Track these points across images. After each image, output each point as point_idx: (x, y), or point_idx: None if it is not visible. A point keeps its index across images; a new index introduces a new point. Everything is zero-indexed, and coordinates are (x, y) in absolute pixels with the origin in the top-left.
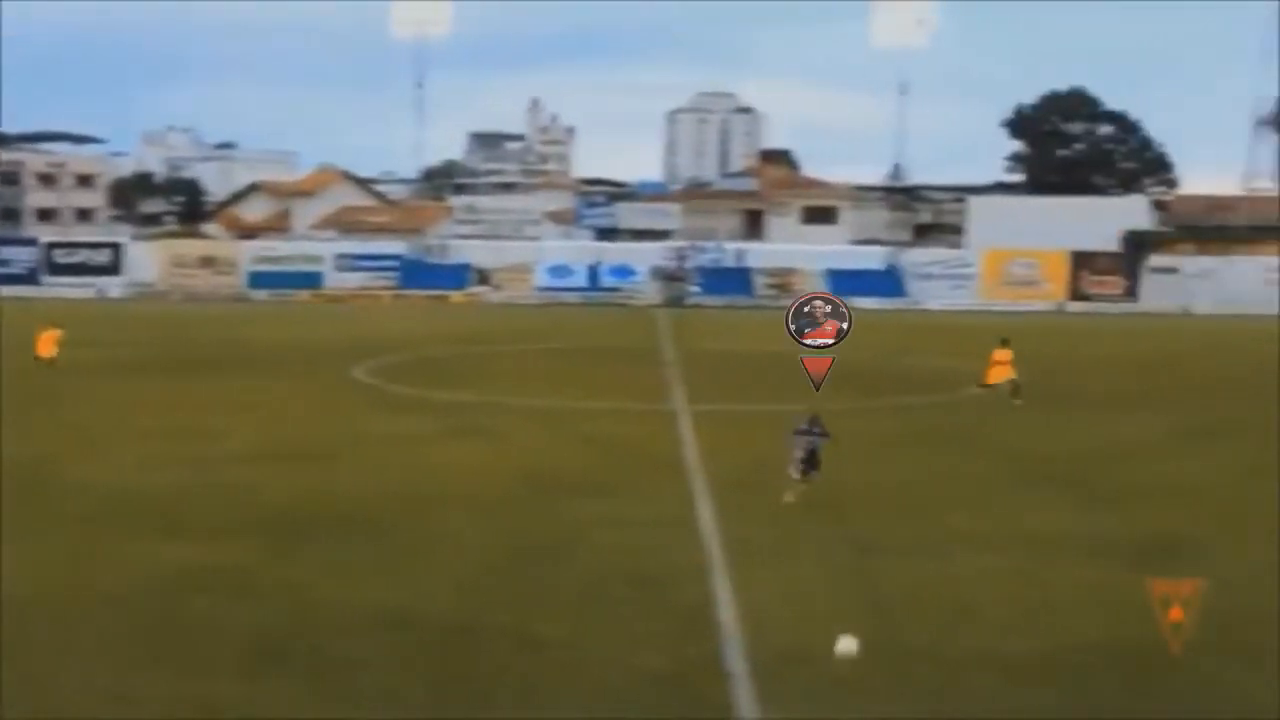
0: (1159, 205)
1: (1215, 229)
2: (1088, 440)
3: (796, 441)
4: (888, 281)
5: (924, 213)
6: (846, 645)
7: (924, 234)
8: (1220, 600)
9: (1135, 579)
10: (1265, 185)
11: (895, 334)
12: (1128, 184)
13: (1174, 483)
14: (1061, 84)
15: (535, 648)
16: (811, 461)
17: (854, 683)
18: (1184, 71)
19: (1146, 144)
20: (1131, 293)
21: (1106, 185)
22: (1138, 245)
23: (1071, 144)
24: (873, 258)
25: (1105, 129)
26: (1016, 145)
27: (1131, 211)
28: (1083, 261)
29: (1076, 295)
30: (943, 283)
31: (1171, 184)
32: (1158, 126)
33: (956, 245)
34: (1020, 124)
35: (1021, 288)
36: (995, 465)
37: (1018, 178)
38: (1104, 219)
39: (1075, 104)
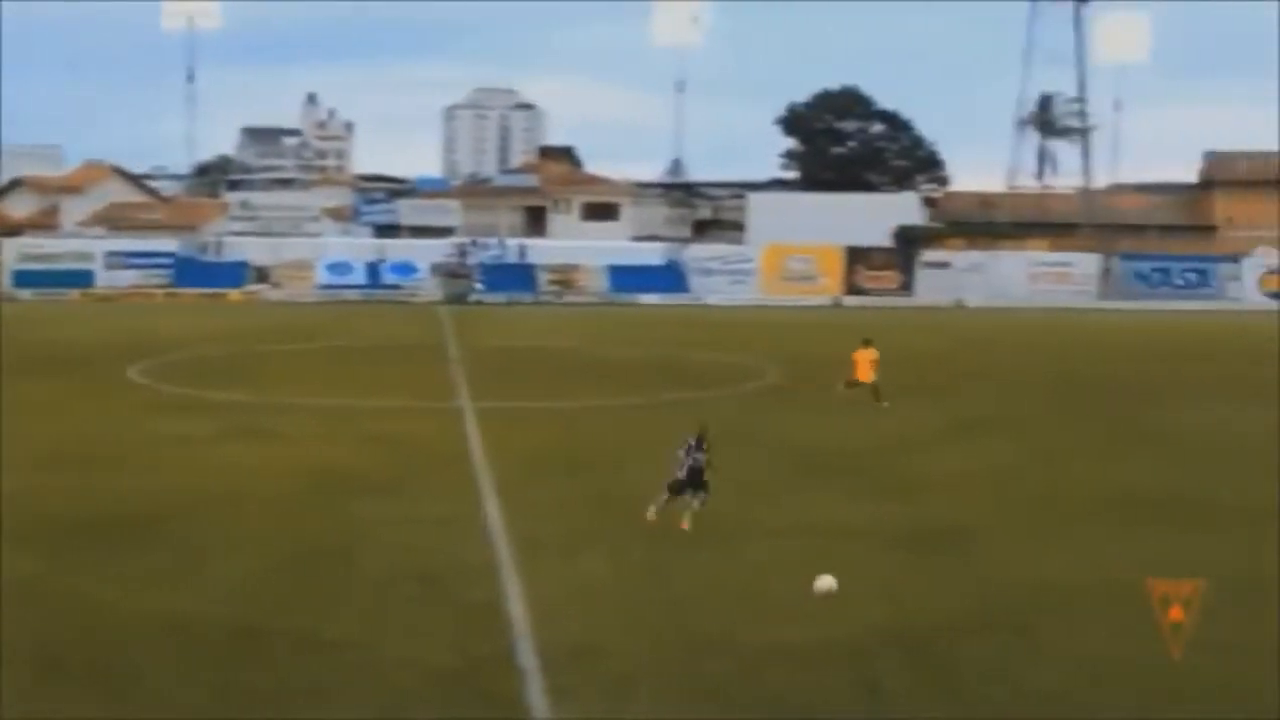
0: (930, 202)
1: (983, 225)
2: (869, 433)
3: (679, 459)
4: (669, 277)
5: (704, 209)
6: (825, 583)
7: (704, 230)
8: (998, 582)
9: (918, 565)
10: (1028, 183)
11: (677, 329)
12: (900, 181)
13: (952, 472)
14: (835, 83)
15: (323, 650)
16: (694, 482)
17: (645, 676)
18: (952, 73)
19: (917, 142)
20: (906, 287)
21: (879, 182)
22: (910, 241)
23: (845, 142)
24: (654, 254)
25: (878, 128)
26: (791, 143)
27: (904, 208)
28: (858, 257)
29: (853, 290)
30: (723, 278)
31: (942, 181)
32: (928, 126)
33: (737, 241)
34: (794, 122)
35: (800, 283)
36: (780, 458)
37: (793, 174)
38: (877, 215)
39: (848, 103)
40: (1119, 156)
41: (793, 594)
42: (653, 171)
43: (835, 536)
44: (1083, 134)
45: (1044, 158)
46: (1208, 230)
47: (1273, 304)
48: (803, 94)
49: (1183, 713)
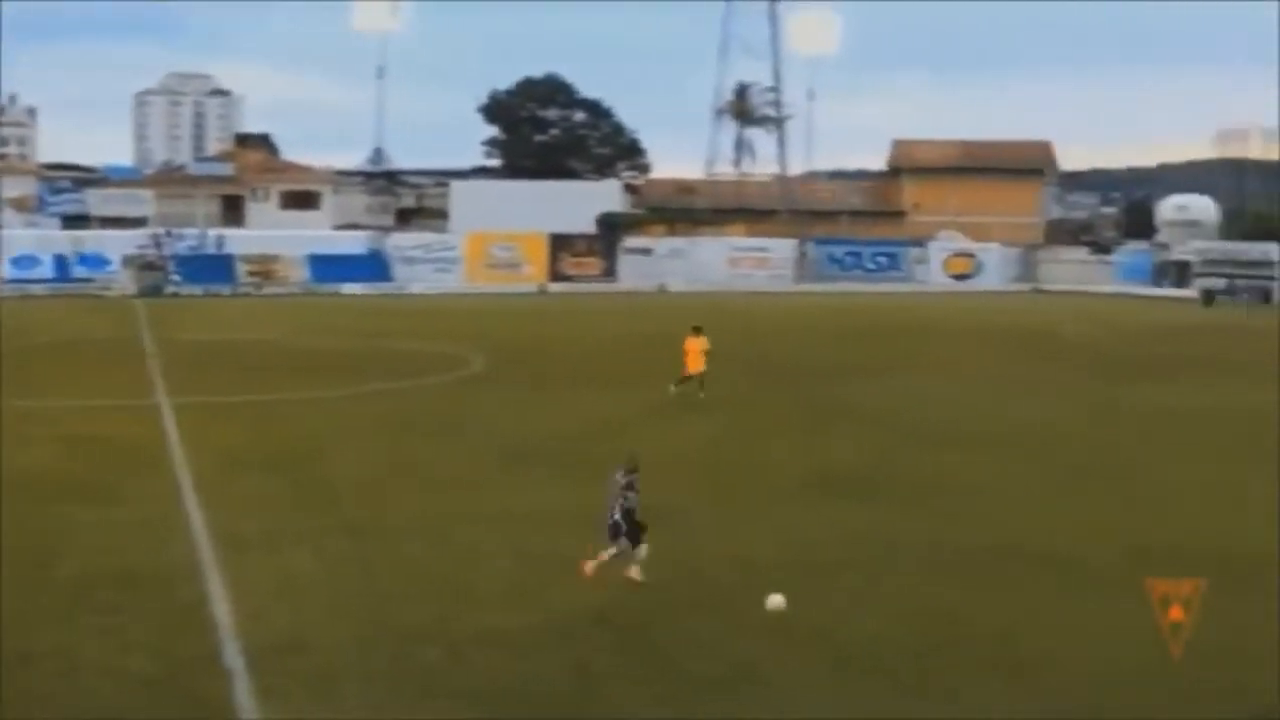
0: (631, 189)
1: (683, 211)
2: (574, 418)
3: (613, 500)
4: (372, 266)
5: (406, 197)
6: (775, 602)
7: (407, 218)
8: (704, 560)
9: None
10: (726, 170)
11: (381, 319)
12: (602, 169)
13: (656, 454)
14: (537, 71)
15: (21, 661)
16: (629, 525)
17: (354, 669)
18: (652, 62)
19: (619, 130)
20: (610, 273)
21: (582, 170)
22: (612, 227)
23: (547, 129)
24: (356, 242)
25: (580, 116)
26: (494, 131)
27: (606, 195)
28: (561, 244)
29: (557, 276)
30: (427, 266)
31: (643, 169)
32: (629, 114)
33: (441, 229)
34: (496, 110)
35: (504, 270)
36: (486, 446)
37: (496, 162)
38: (580, 202)
39: (550, 91)
40: (813, 145)
41: (500, 581)
42: (354, 160)
43: (541, 522)
44: (778, 123)
45: (741, 146)
46: (897, 215)
47: (957, 285)
48: (505, 82)
49: (875, 678)
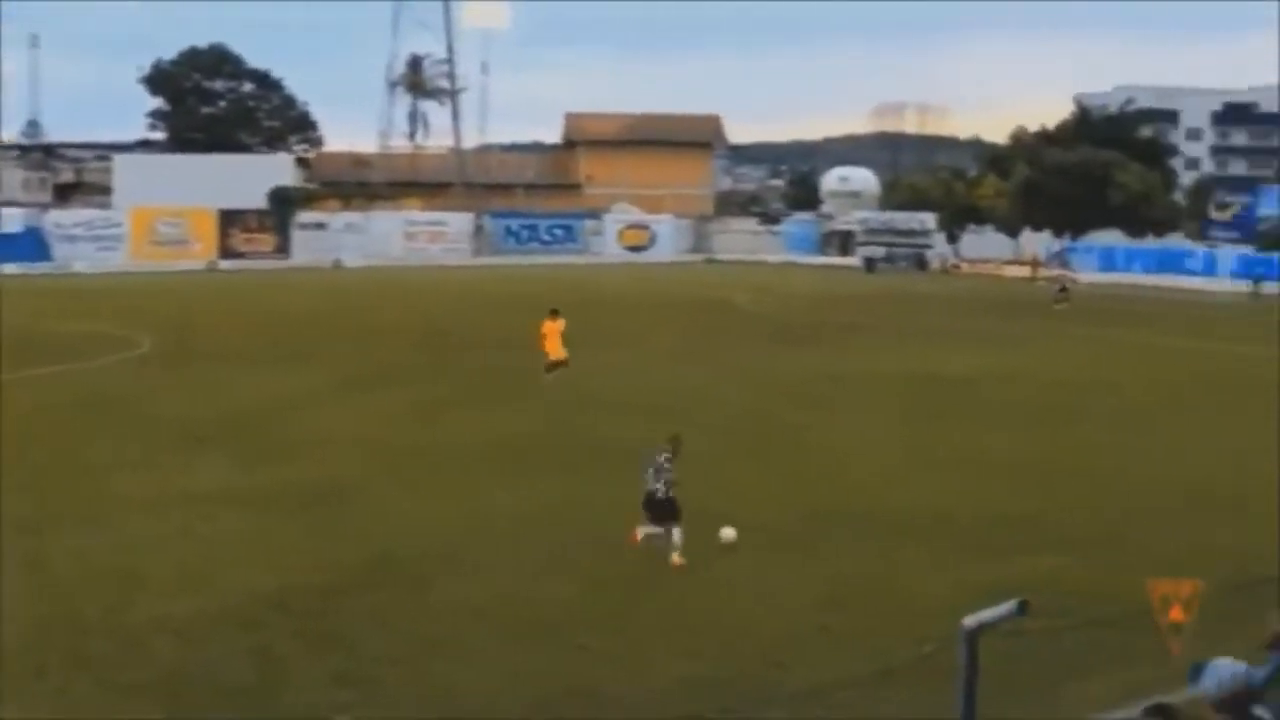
0: (303, 163)
1: (357, 185)
2: (246, 398)
3: (656, 478)
4: (29, 245)
5: (66, 172)
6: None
7: (66, 194)
8: (385, 537)
9: (304, 527)
10: (401, 143)
11: (41, 300)
12: (272, 142)
13: (334, 431)
14: (202, 41)
15: None
16: (666, 505)
17: (24, 663)
18: (323, 33)
19: (289, 102)
20: (283, 249)
21: (251, 143)
22: (285, 202)
23: (215, 101)
24: (12, 220)
25: (248, 87)
26: (158, 102)
27: (277, 169)
28: (231, 219)
29: (228, 253)
30: (90, 244)
31: (315, 142)
32: (300, 85)
33: (104, 205)
34: (160, 81)
35: (172, 247)
36: (157, 429)
37: (161, 135)
38: (251, 177)
39: (216, 61)
40: (488, 118)
41: (174, 567)
42: (7, 133)
43: (216, 504)
44: (452, 96)
45: (416, 119)
46: (572, 188)
47: (632, 256)
48: (169, 52)
49: (561, 646)
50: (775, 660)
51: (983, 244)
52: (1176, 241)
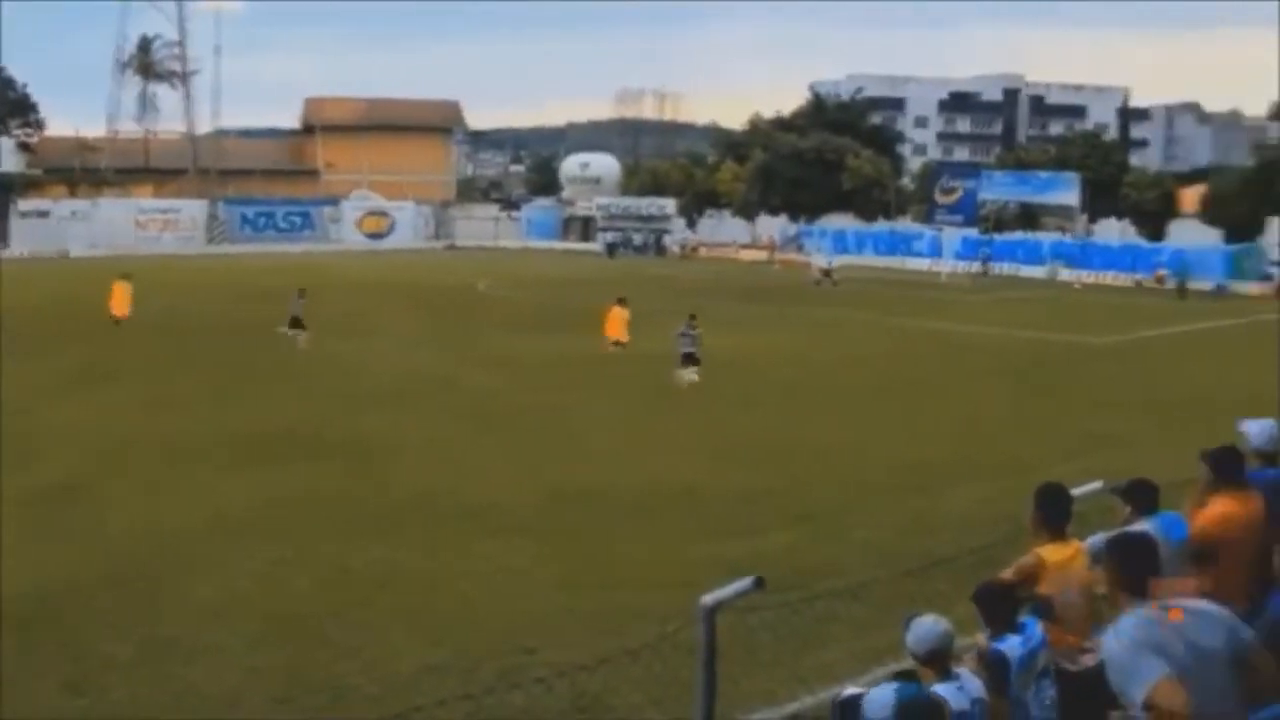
0: (25, 147)
1: (84, 171)
2: None
3: (681, 341)
4: None
5: None
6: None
7: None
8: (119, 536)
9: (24, 529)
10: (130, 127)
11: None
12: None
13: (62, 428)
14: None
15: None
16: (691, 356)
17: None
18: (44, 12)
19: (9, 84)
20: (2, 238)
21: None
22: (4, 189)
23: None
24: None
25: None
26: None
27: None
28: None
29: None
30: None
31: (37, 126)
32: (20, 68)
33: None
34: None
35: None
36: None
37: None
38: None
39: None
40: (223, 102)
41: None
42: None
43: None
44: (184, 78)
45: (146, 102)
46: (310, 174)
47: (372, 244)
48: None
49: (302, 641)
50: (521, 645)
51: (721, 228)
52: (905, 225)
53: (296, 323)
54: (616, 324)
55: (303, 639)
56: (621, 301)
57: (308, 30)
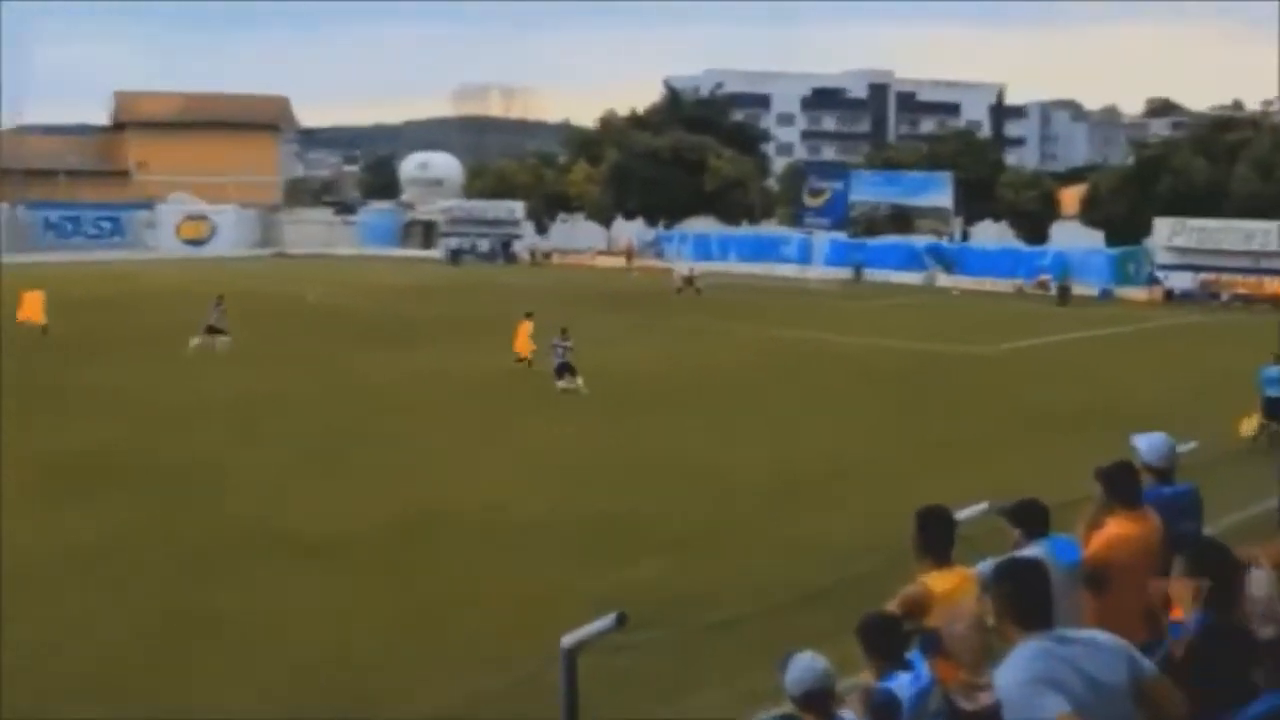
0: None
1: None
2: None
3: (555, 353)
4: None
5: None
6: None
7: None
8: None
9: None
10: None
11: None
12: None
13: None
14: None
15: None
16: (568, 367)
17: None
18: None
19: None
20: None
21: None
22: None
23: None
24: None
25: None
26: None
27: None
28: None
29: None
30: None
31: None
32: None
33: None
34: None
35: None
36: None
37: None
38: None
39: None
40: (25, 96)
41: None
42: None
43: None
44: None
45: None
46: (121, 175)
47: (192, 251)
48: None
49: (109, 700)
50: (361, 692)
51: (574, 233)
52: (771, 228)
53: (214, 330)
54: (523, 339)
55: (116, 697)
56: (529, 315)
57: (119, 19)
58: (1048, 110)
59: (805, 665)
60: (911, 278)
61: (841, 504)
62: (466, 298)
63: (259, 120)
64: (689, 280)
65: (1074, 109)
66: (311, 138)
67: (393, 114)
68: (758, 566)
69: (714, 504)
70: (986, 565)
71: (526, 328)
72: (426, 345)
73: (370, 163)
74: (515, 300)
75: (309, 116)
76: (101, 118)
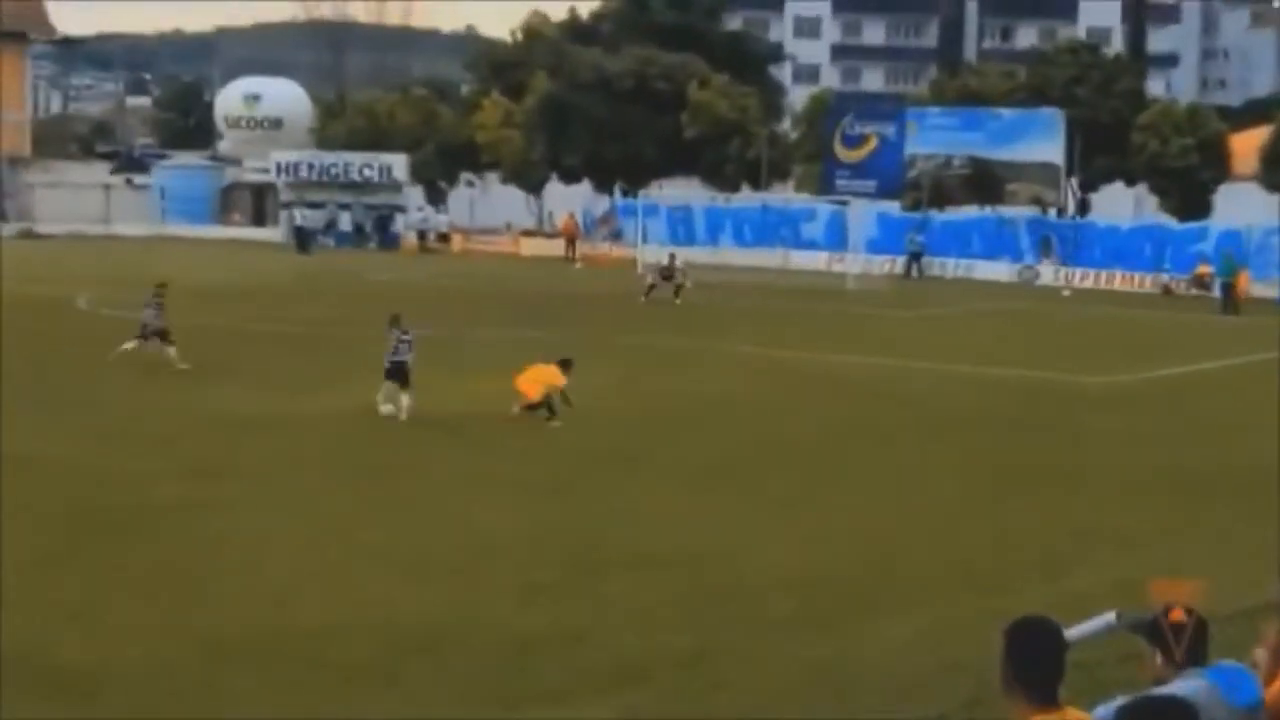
0: None
1: None
2: None
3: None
4: None
5: None
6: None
7: None
8: None
9: None
10: None
11: None
12: None
13: None
14: None
15: None
16: (401, 372)
17: None
18: None
19: None
20: None
21: None
22: None
23: None
24: None
25: None
26: None
27: None
28: None
29: None
30: None
31: None
32: None
33: None
34: None
35: None
36: None
37: None
38: None
39: None
40: None
41: None
42: None
43: None
44: None
45: None
46: None
47: None
48: None
49: None
50: None
51: (488, 205)
52: (787, 196)
53: (164, 335)
54: (536, 380)
55: None
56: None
57: None
58: (1214, 9)
59: None
60: (1001, 271)
61: (891, 612)
62: (324, 305)
63: None
64: (666, 275)
65: (1258, 6)
66: (75, 52)
67: (200, 16)
68: (770, 709)
69: (702, 613)
70: (1108, 711)
71: (550, 374)
72: (262, 377)
73: (169, 93)
74: (396, 304)
75: (72, 19)
76: None
